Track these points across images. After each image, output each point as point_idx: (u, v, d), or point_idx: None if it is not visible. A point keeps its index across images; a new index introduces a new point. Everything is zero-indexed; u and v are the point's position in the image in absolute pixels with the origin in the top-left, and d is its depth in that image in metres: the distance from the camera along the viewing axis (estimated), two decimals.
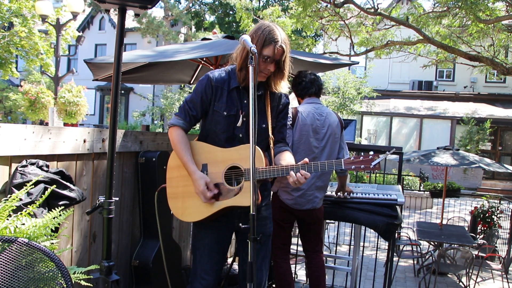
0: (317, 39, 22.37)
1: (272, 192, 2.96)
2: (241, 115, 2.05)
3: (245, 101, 2.06)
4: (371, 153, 1.88)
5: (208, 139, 2.09)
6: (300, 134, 2.91)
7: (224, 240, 2.16)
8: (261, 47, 1.93)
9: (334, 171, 3.28)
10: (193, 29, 24.49)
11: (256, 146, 1.94)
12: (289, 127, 2.88)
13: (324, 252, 4.73)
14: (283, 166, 1.93)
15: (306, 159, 1.92)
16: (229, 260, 3.81)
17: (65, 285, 1.42)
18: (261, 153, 1.96)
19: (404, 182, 10.99)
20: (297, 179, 1.88)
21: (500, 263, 4.92)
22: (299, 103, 3.15)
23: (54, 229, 1.65)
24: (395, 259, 4.60)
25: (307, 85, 3.07)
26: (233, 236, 2.29)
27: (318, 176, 2.94)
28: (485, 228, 6.11)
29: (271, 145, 2.12)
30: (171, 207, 2.08)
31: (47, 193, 1.79)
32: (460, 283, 4.85)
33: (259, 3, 24.25)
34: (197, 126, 2.41)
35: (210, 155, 2.04)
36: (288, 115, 2.86)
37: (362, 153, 1.92)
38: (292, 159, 2.10)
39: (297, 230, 3.67)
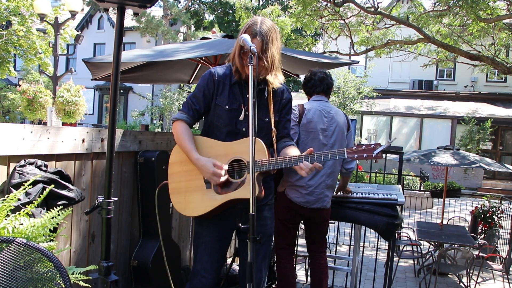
0: (317, 38, 22.37)
1: (278, 192, 2.94)
2: (243, 109, 2.05)
3: (247, 96, 2.06)
4: (373, 142, 1.90)
5: (211, 134, 2.10)
6: (307, 131, 2.89)
7: (224, 238, 2.17)
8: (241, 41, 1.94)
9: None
10: (193, 28, 24.48)
11: (258, 139, 1.94)
12: (295, 124, 2.87)
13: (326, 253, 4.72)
14: (285, 157, 1.93)
15: (311, 149, 1.92)
16: (229, 260, 3.80)
17: (63, 286, 1.41)
18: (263, 145, 1.96)
19: (405, 182, 10.99)
20: (308, 168, 1.88)
21: (501, 264, 4.91)
22: (308, 101, 3.15)
23: (52, 229, 1.64)
24: (395, 259, 4.59)
25: (316, 83, 3.06)
26: (234, 236, 2.28)
27: (327, 174, 2.92)
28: (485, 228, 6.10)
29: (274, 139, 2.12)
30: (174, 202, 2.08)
31: (45, 193, 1.78)
32: (461, 284, 4.84)
33: (259, 2, 24.23)
34: (196, 126, 2.40)
35: (213, 149, 2.04)
36: (295, 112, 2.87)
37: (364, 143, 1.93)
38: (298, 153, 2.09)
39: (299, 231, 3.66)
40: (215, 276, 2.13)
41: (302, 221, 3.14)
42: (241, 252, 2.21)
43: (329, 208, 3.04)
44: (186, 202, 2.05)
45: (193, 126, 2.17)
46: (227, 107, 2.05)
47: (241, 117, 2.05)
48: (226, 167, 1.96)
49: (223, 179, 1.95)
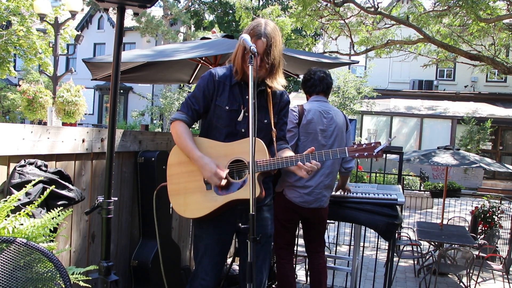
0: (317, 38, 22.36)
1: (276, 192, 2.94)
2: (242, 110, 2.05)
3: (246, 96, 2.06)
4: (373, 141, 1.92)
5: (210, 135, 2.09)
6: (307, 132, 2.89)
7: (225, 241, 2.16)
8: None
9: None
10: (193, 28, 24.47)
11: (259, 139, 1.94)
12: (295, 125, 2.87)
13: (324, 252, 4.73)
14: (286, 157, 1.93)
15: (313, 148, 1.93)
16: (229, 260, 3.80)
17: (63, 286, 1.41)
18: (264, 145, 1.96)
19: (405, 182, 10.98)
20: (307, 168, 1.88)
21: (501, 264, 4.91)
22: (307, 100, 3.14)
23: (52, 229, 1.64)
24: (395, 259, 4.59)
25: (315, 83, 3.04)
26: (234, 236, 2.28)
27: (326, 174, 2.93)
28: (485, 228, 6.10)
29: (274, 138, 2.12)
30: (173, 204, 2.07)
31: (46, 193, 1.78)
32: (461, 284, 4.84)
33: (259, 2, 24.22)
34: (196, 126, 2.40)
35: (212, 150, 2.03)
36: (294, 113, 2.87)
37: (365, 142, 1.95)
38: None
39: (298, 230, 3.67)
40: (215, 279, 2.13)
41: (300, 221, 3.14)
42: (241, 254, 2.21)
43: (326, 207, 3.05)
44: (186, 204, 2.04)
45: (192, 126, 2.17)
46: (227, 108, 2.04)
47: (240, 118, 2.04)
48: (227, 171, 1.96)
49: (223, 182, 1.93)
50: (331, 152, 1.91)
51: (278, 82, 2.09)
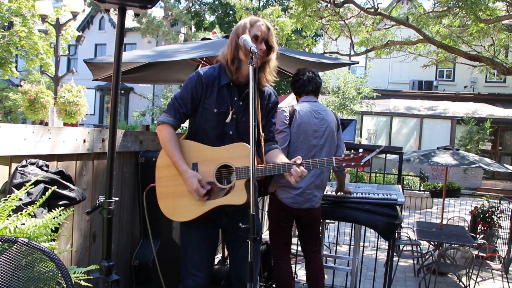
0: (317, 39, 22.38)
1: (270, 193, 2.96)
2: (230, 112, 2.04)
3: (235, 98, 2.06)
4: (361, 150, 1.91)
5: (198, 137, 2.08)
6: (298, 133, 2.89)
7: (212, 236, 2.16)
8: (248, 29, 1.97)
9: (332, 171, 3.28)
10: (193, 29, 24.48)
11: (247, 145, 1.94)
12: (287, 126, 2.88)
13: (324, 252, 4.73)
14: (274, 164, 1.94)
15: (299, 157, 1.93)
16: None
17: (65, 285, 1.42)
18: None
19: (404, 182, 10.98)
20: (297, 175, 1.88)
21: (500, 263, 4.92)
22: (297, 101, 3.15)
23: (54, 229, 1.65)
24: (395, 259, 4.60)
25: (304, 83, 3.05)
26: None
27: (317, 174, 2.92)
28: (485, 228, 6.11)
29: (262, 143, 2.12)
30: (161, 207, 2.06)
31: (47, 193, 1.79)
32: (460, 283, 4.85)
33: (259, 3, 24.23)
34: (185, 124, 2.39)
35: (200, 154, 2.03)
36: (285, 114, 2.88)
37: (353, 151, 1.94)
38: (284, 158, 2.11)
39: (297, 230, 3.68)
40: (207, 274, 2.12)
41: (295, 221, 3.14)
42: (230, 252, 2.21)
43: (318, 207, 3.04)
44: (174, 207, 2.03)
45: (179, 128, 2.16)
46: (215, 110, 2.03)
47: (228, 120, 2.03)
48: (208, 187, 1.97)
49: (203, 197, 1.95)
50: (318, 162, 1.91)
51: (268, 78, 2.07)
